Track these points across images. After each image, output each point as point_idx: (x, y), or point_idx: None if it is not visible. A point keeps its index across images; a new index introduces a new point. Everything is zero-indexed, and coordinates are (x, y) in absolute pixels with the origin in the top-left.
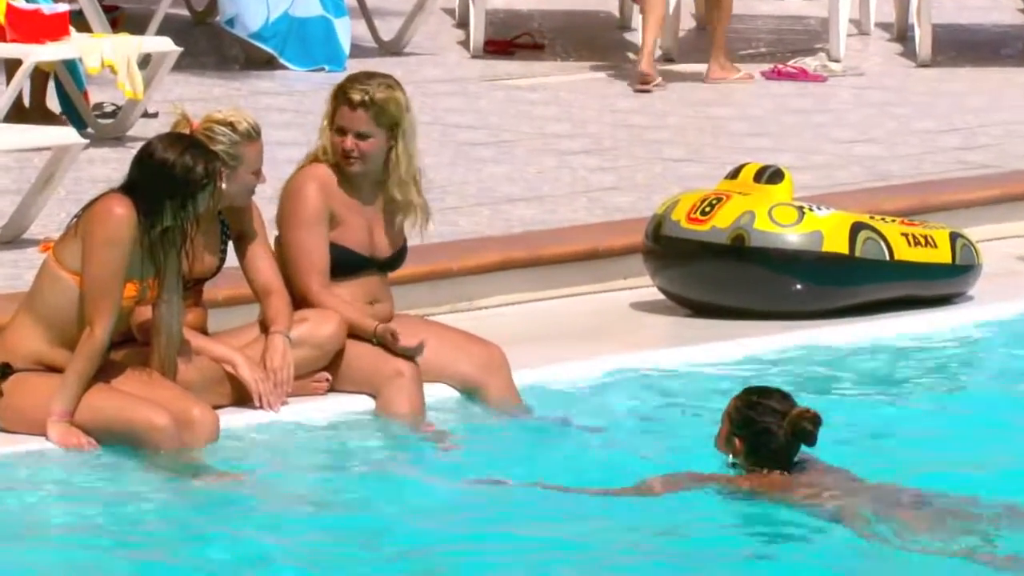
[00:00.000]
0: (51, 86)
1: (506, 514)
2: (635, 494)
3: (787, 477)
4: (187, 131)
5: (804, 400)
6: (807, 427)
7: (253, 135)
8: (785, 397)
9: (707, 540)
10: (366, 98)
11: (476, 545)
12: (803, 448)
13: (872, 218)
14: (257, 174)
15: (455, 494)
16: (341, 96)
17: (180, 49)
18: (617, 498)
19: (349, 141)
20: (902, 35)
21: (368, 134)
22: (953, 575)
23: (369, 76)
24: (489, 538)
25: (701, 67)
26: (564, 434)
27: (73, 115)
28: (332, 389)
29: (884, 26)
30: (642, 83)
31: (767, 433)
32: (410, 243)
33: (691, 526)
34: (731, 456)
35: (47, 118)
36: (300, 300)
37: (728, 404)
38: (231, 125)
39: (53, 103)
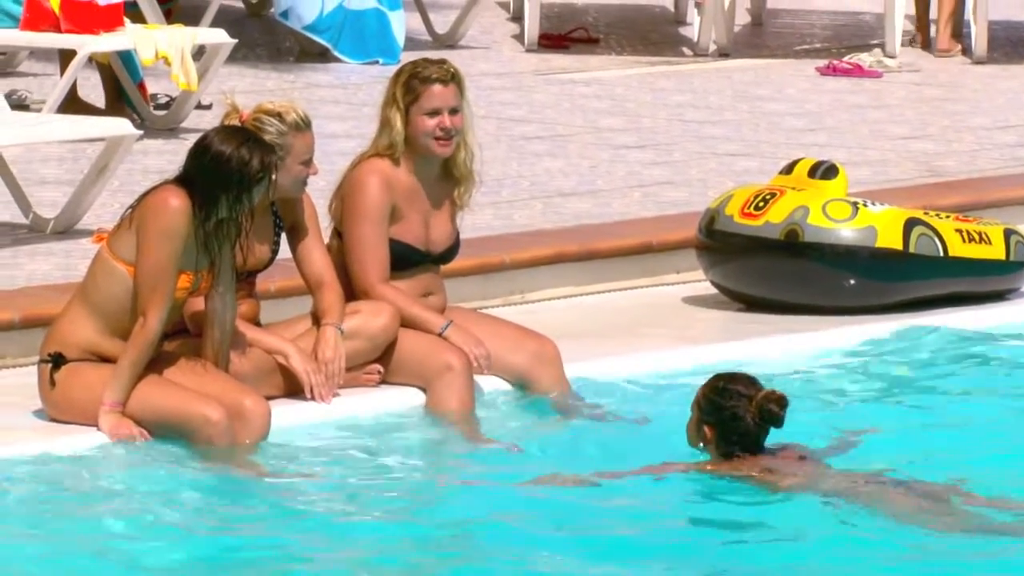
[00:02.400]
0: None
1: (535, 512)
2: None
3: (759, 459)
4: (237, 122)
5: (855, 399)
6: (774, 409)
7: (302, 126)
8: (752, 382)
9: (690, 526)
10: (452, 72)
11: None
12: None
13: (926, 214)
14: (308, 164)
15: (503, 494)
16: (425, 80)
17: (234, 41)
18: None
19: (447, 119)
20: (957, 32)
21: (459, 108)
22: (920, 552)
23: (428, 60)
24: (522, 537)
25: (755, 62)
26: (614, 428)
27: (128, 106)
28: (383, 381)
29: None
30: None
31: (735, 418)
32: (465, 237)
33: (674, 511)
34: (702, 445)
35: (123, 113)
36: (359, 294)
37: (696, 393)
38: (279, 115)
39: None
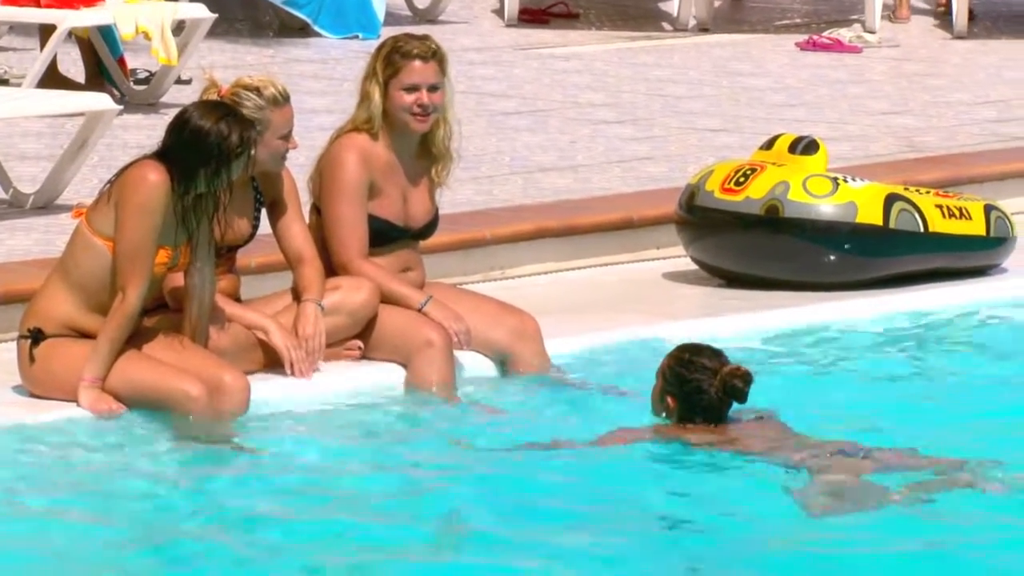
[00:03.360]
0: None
1: (523, 479)
2: (601, 444)
3: (720, 427)
4: (216, 96)
5: (834, 373)
6: (738, 384)
7: (280, 100)
8: (716, 354)
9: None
10: (433, 49)
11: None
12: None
13: (907, 189)
14: (286, 139)
15: (481, 463)
16: (406, 55)
17: (214, 16)
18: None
19: (425, 96)
20: (947, 6)
21: (438, 85)
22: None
23: (411, 35)
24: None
25: (735, 37)
26: (595, 401)
27: (107, 81)
28: (363, 357)
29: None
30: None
31: (699, 391)
32: (444, 212)
33: (638, 477)
34: (664, 414)
35: (103, 88)
36: (339, 270)
37: (661, 362)
38: (257, 90)
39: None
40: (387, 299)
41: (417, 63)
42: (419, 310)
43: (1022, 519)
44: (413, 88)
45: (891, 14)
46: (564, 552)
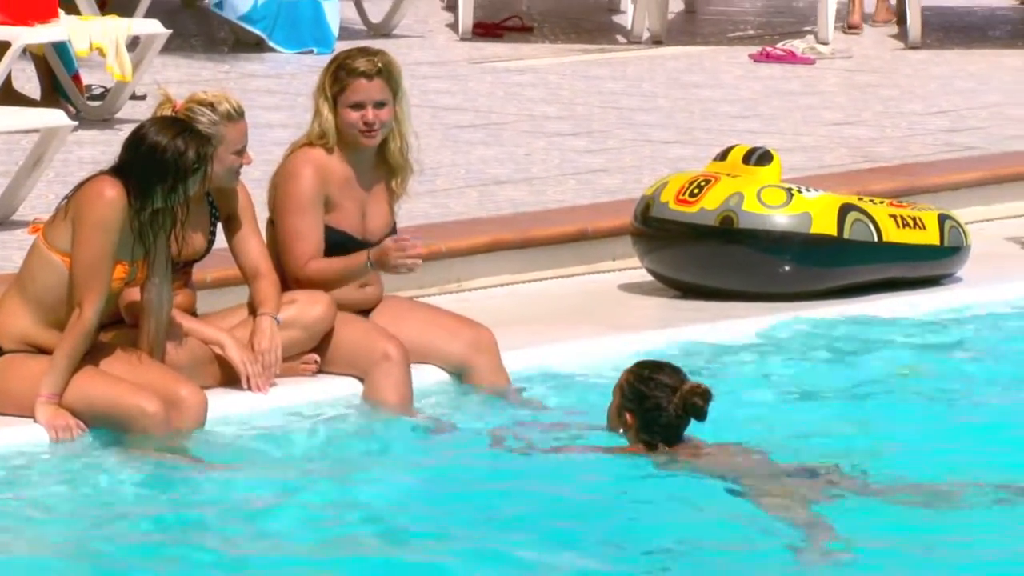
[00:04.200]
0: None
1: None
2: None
3: (676, 450)
4: (171, 112)
5: (789, 382)
6: (698, 402)
7: (234, 115)
8: (675, 371)
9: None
10: (379, 66)
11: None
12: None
13: (860, 200)
14: (240, 154)
15: (441, 478)
16: (351, 72)
17: (169, 32)
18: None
19: (370, 113)
20: (901, 17)
21: (385, 102)
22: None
23: (363, 49)
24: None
25: (689, 50)
26: (551, 415)
27: (62, 97)
28: (320, 371)
29: (872, 8)
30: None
31: (658, 408)
32: (401, 225)
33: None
34: (621, 431)
35: (59, 105)
36: (290, 281)
37: (619, 378)
38: (211, 105)
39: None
40: (341, 279)
41: (362, 81)
42: (368, 264)
43: (972, 542)
44: (358, 105)
45: (843, 25)
46: (514, 565)
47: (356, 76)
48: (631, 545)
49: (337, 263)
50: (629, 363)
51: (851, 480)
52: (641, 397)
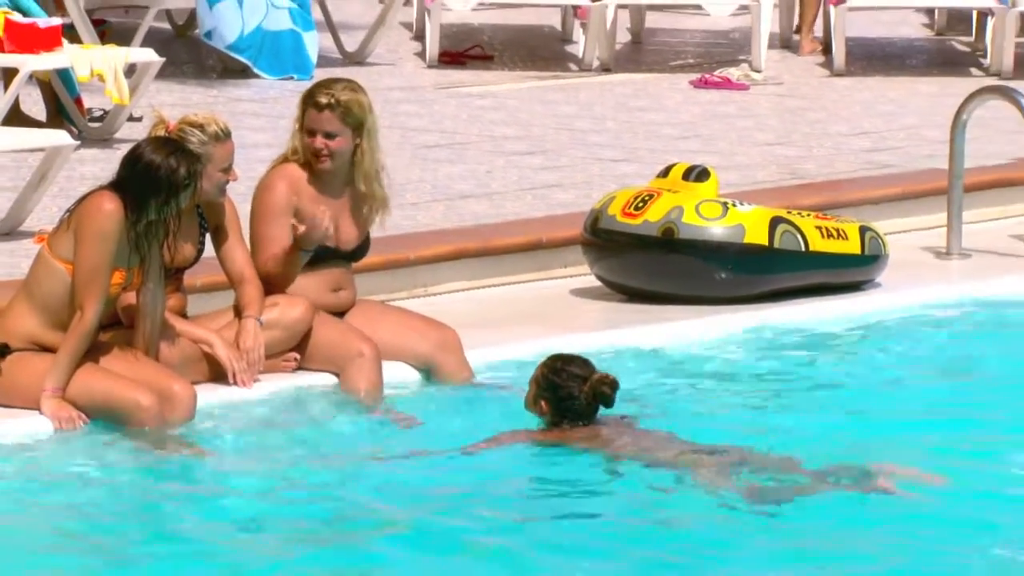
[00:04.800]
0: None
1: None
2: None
3: (588, 429)
4: (164, 132)
5: (722, 375)
6: (606, 391)
7: (222, 136)
8: (586, 363)
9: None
10: (332, 100)
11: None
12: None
13: (789, 213)
14: (227, 171)
15: (404, 465)
16: (309, 101)
17: (162, 60)
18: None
19: (319, 141)
20: (827, 47)
21: (335, 133)
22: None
23: (334, 81)
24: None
25: (635, 76)
26: (511, 407)
27: (66, 119)
28: (300, 367)
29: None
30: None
31: (570, 396)
32: (373, 235)
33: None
34: (538, 415)
35: (62, 126)
36: (266, 285)
37: (536, 370)
38: (201, 127)
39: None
40: (283, 266)
41: (314, 112)
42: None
43: (878, 521)
44: (312, 132)
45: (792, 49)
46: (443, 545)
47: (311, 106)
48: (546, 518)
49: (278, 253)
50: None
51: (759, 456)
52: (555, 387)
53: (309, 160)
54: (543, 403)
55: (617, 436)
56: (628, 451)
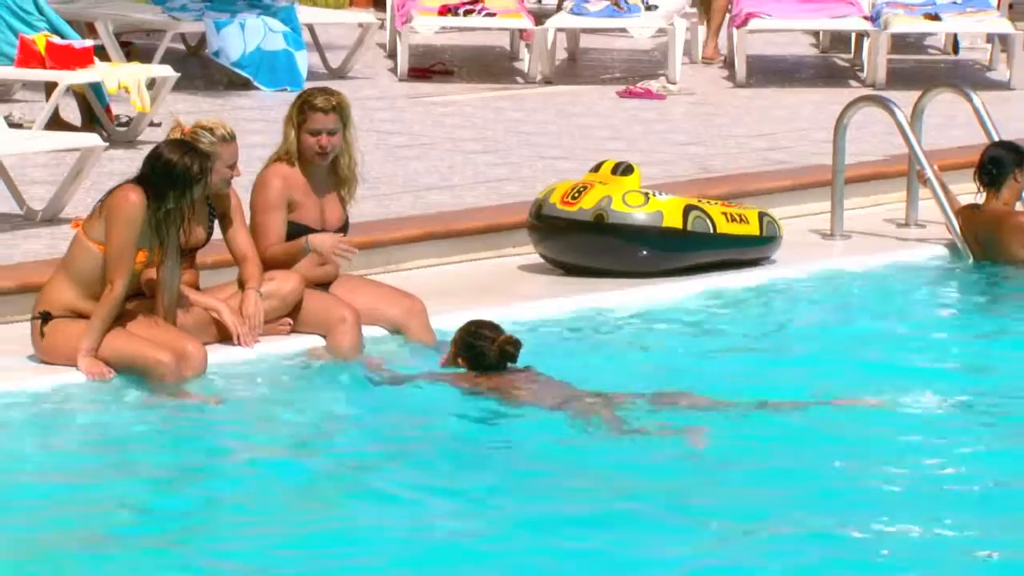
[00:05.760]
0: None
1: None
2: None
3: (496, 379)
4: (180, 135)
5: (641, 335)
6: (510, 350)
7: (228, 138)
8: (495, 327)
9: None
10: (334, 103)
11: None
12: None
13: (700, 201)
14: (232, 168)
15: (377, 400)
16: (311, 106)
17: (178, 75)
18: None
19: (324, 139)
20: (731, 62)
21: (335, 130)
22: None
23: (322, 89)
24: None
25: (572, 88)
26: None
27: (97, 124)
28: (292, 331)
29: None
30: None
31: (482, 354)
32: (352, 222)
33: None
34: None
35: (94, 130)
36: (266, 264)
37: (455, 333)
38: (211, 130)
39: (75, 115)
40: (290, 258)
41: (319, 115)
42: (305, 249)
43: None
44: (315, 132)
45: (701, 56)
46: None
47: (316, 110)
48: (454, 451)
49: (285, 246)
50: (526, 324)
51: (633, 396)
52: (470, 347)
53: (307, 157)
54: (460, 360)
55: (518, 384)
56: (524, 396)
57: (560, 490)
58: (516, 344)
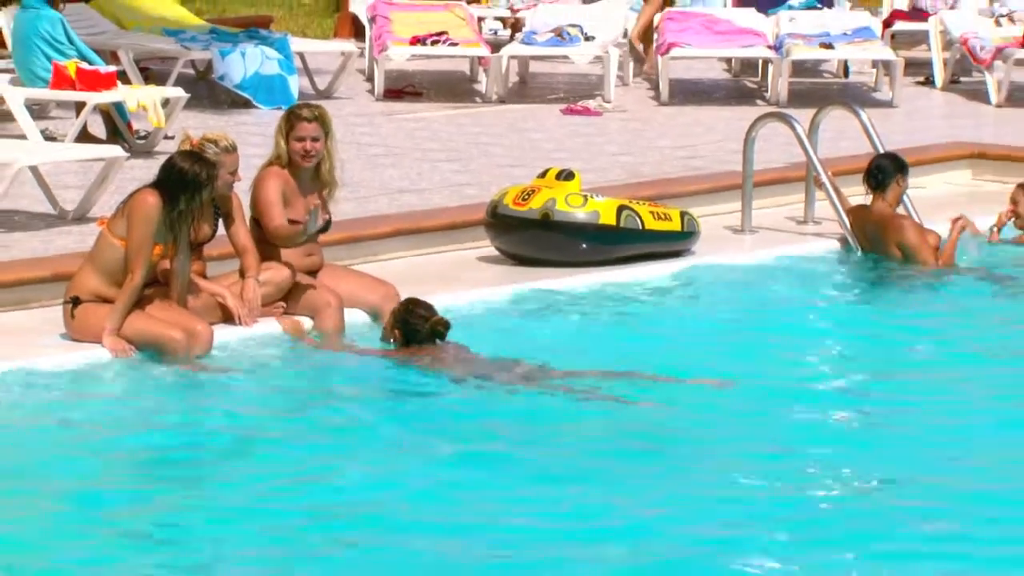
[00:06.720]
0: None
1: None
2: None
3: (428, 351)
4: (189, 147)
5: (581, 316)
6: (440, 328)
7: (230, 149)
8: (429, 307)
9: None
10: (316, 113)
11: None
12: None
13: (631, 202)
14: (234, 174)
15: (351, 365)
16: (297, 117)
17: (188, 95)
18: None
19: (309, 144)
20: (654, 85)
21: (318, 137)
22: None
23: (306, 104)
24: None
25: (523, 106)
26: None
27: (120, 137)
28: (285, 312)
29: (638, 80)
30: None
31: (416, 331)
32: (336, 221)
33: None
34: (391, 340)
35: (117, 142)
36: (270, 252)
37: (394, 308)
38: (215, 142)
39: (101, 130)
40: (295, 234)
41: (304, 123)
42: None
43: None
44: (301, 139)
45: (641, 69)
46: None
47: (301, 120)
48: (393, 413)
49: (292, 229)
50: (483, 307)
51: (555, 371)
52: (405, 322)
53: (295, 161)
54: (396, 332)
55: (445, 358)
56: (447, 366)
57: (478, 436)
58: (446, 324)
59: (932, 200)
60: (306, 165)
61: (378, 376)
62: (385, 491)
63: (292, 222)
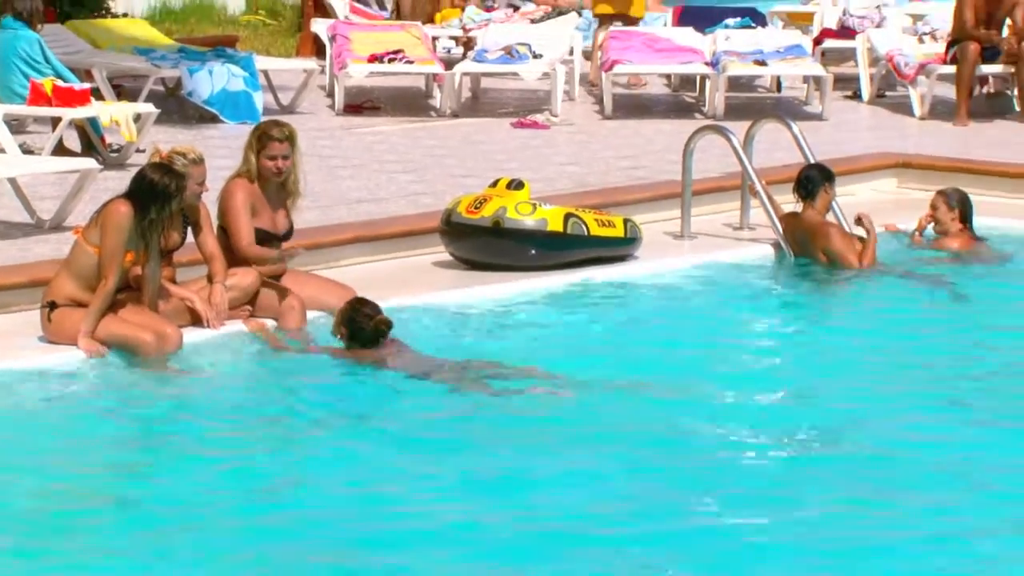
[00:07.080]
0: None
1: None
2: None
3: (373, 352)
4: (159, 159)
5: (528, 316)
6: (383, 328)
7: (198, 161)
8: (375, 307)
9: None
10: (287, 133)
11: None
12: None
13: (577, 210)
14: (201, 185)
15: (307, 365)
16: (269, 137)
17: (159, 111)
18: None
19: (280, 162)
20: (598, 99)
21: (288, 155)
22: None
23: (276, 122)
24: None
25: (475, 120)
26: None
27: (94, 151)
28: (251, 315)
29: (584, 94)
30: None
31: (361, 329)
32: (298, 228)
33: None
34: (339, 338)
35: (91, 155)
36: (237, 254)
37: (341, 307)
38: (184, 155)
39: (76, 144)
40: (265, 258)
41: (276, 143)
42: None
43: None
44: (273, 157)
45: (589, 84)
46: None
47: (273, 140)
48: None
49: (262, 251)
50: (437, 309)
51: (495, 364)
52: (351, 320)
53: (264, 175)
54: (343, 329)
55: (388, 356)
56: (391, 364)
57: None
58: (389, 324)
59: (861, 207)
60: (277, 179)
61: (333, 373)
62: (332, 472)
63: (259, 231)
